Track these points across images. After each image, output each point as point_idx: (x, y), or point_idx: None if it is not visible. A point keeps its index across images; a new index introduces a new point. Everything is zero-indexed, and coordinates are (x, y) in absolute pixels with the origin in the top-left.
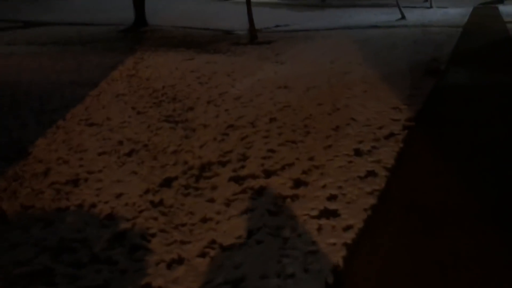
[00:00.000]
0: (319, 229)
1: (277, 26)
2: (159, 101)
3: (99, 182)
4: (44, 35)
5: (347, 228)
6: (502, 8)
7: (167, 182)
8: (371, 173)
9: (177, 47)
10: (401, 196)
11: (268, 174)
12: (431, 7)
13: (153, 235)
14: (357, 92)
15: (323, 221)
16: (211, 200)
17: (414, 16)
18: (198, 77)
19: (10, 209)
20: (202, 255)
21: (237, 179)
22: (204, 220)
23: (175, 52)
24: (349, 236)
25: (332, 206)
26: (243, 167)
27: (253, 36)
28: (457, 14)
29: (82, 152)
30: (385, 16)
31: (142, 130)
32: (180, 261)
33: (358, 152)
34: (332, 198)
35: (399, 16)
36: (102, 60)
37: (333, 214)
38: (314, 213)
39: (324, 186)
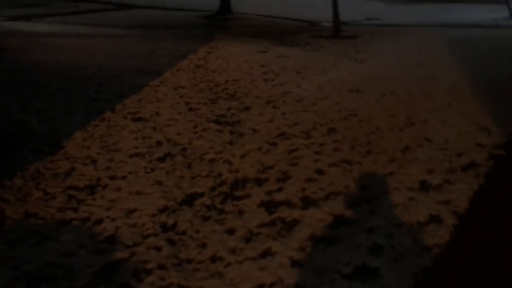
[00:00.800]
0: None
1: (368, 19)
2: (216, 97)
3: (117, 192)
4: (131, 18)
5: None
6: None
7: (190, 199)
8: (434, 219)
9: (255, 37)
10: (466, 259)
11: (307, 203)
12: None
13: (149, 272)
14: (440, 104)
15: (356, 285)
16: (231, 231)
17: None
18: (266, 72)
19: (12, 215)
20: None
21: (269, 205)
22: (214, 258)
23: (251, 42)
24: None
25: (372, 262)
26: (280, 189)
27: (337, 30)
28: None
29: (115, 152)
30: (491, 14)
31: (187, 130)
32: None
33: (424, 186)
34: (376, 249)
35: (508, 14)
36: (177, 47)
37: (372, 273)
38: (348, 269)
39: (370, 231)
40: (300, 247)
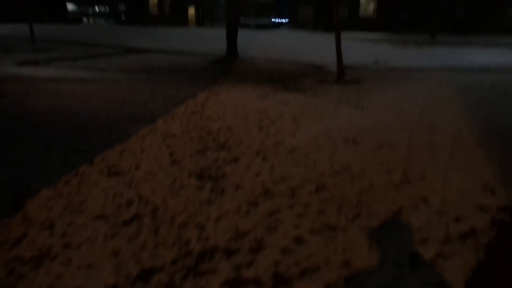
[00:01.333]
0: None
1: (375, 63)
2: (205, 147)
3: (65, 265)
4: (138, 62)
5: None
6: None
7: (145, 276)
8: None
9: (258, 82)
10: None
11: (278, 282)
12: None
13: None
14: (441, 158)
15: None
16: None
17: None
18: (262, 119)
19: None
20: None
21: (234, 285)
22: None
23: (253, 87)
24: None
25: None
26: (251, 263)
27: (341, 75)
28: None
29: (78, 214)
30: (502, 57)
31: (163, 187)
32: None
33: (414, 260)
34: None
35: None
36: (177, 92)
37: None
38: None
39: None
40: None
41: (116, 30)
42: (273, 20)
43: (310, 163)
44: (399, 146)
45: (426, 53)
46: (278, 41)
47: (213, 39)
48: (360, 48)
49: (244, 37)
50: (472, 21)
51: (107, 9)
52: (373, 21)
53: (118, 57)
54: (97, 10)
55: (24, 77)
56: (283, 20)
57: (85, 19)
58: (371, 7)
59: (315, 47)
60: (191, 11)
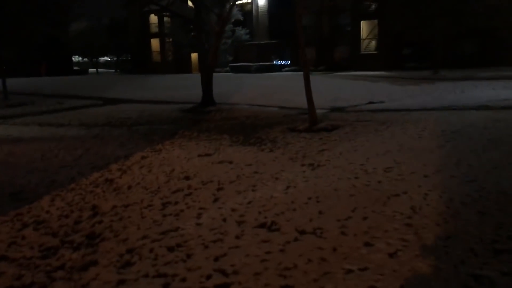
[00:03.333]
0: None
1: (370, 103)
2: (62, 243)
3: None
4: (106, 114)
5: None
6: None
7: None
8: None
9: (221, 133)
10: None
11: None
12: None
13: None
14: (377, 257)
15: None
16: None
17: None
18: (176, 191)
19: None
20: None
21: None
22: None
23: (208, 141)
24: None
25: None
26: None
27: (313, 122)
28: None
29: None
30: (506, 91)
31: None
32: None
33: None
34: None
35: None
36: (115, 151)
37: None
38: None
39: None
40: None
41: (110, 80)
42: (274, 62)
43: (187, 268)
44: (328, 232)
45: (425, 91)
46: (270, 84)
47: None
48: (358, 87)
49: (233, 82)
50: (482, 54)
51: (115, 60)
52: (375, 58)
53: (90, 109)
54: (107, 60)
55: None
56: (285, 62)
57: (93, 70)
58: (373, 43)
59: (318, 88)
60: (195, 57)
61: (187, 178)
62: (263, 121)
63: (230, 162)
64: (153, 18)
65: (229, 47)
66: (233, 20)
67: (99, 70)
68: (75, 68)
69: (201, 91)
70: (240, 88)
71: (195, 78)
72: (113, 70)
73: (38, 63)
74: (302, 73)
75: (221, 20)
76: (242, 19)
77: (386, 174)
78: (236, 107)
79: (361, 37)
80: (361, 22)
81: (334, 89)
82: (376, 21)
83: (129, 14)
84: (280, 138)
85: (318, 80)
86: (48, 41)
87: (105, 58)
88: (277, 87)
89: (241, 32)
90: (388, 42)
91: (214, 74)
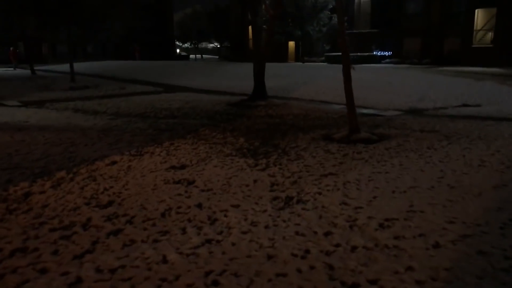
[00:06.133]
0: None
1: (464, 105)
2: None
3: None
4: (147, 104)
5: None
6: None
7: None
8: None
9: (241, 135)
10: None
11: None
12: None
13: None
14: None
15: None
16: None
17: None
18: (65, 236)
19: None
20: None
21: None
22: None
23: (209, 145)
24: None
25: None
26: None
27: (352, 129)
28: None
29: None
30: None
31: None
32: None
33: None
34: None
35: None
36: (97, 152)
37: None
38: None
39: None
40: None
41: (192, 67)
42: (374, 52)
43: None
44: None
45: None
46: (353, 77)
47: (272, 76)
48: (455, 86)
49: (309, 72)
50: None
51: (218, 47)
52: (489, 52)
53: (142, 97)
54: (210, 47)
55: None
56: (386, 53)
57: (194, 56)
58: (488, 35)
59: (395, 86)
60: (292, 45)
61: (104, 206)
62: (308, 122)
63: (191, 183)
64: None
65: (325, 35)
66: (330, 6)
67: (204, 56)
68: (182, 53)
69: (266, 82)
70: (311, 80)
71: (277, 68)
72: (217, 57)
73: (133, 48)
74: (403, 66)
75: (276, 1)
76: None
77: (375, 233)
78: (291, 103)
79: (475, 28)
80: (476, 10)
81: (426, 86)
82: (494, 10)
83: (230, 1)
84: (300, 148)
85: (412, 75)
86: (150, 28)
87: (212, 45)
88: (358, 80)
89: None
90: (508, 34)
91: (299, 63)
